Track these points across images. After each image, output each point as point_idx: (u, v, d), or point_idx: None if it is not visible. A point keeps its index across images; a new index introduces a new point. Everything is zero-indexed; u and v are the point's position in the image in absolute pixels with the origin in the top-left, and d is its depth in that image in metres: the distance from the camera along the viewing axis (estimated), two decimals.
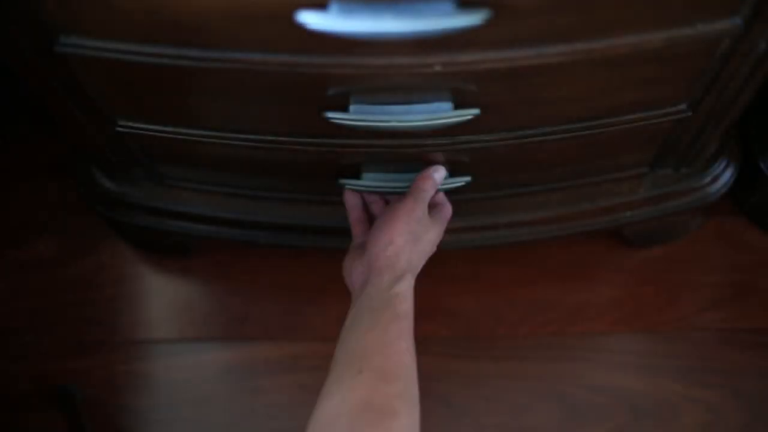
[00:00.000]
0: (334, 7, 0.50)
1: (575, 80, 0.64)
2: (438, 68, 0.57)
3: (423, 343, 1.00)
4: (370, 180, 0.79)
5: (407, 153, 0.75)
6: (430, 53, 0.56)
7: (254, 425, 1.00)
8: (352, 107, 0.64)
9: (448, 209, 0.81)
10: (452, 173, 0.79)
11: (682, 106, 0.71)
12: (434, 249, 0.78)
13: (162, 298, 1.06)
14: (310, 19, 0.50)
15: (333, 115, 0.64)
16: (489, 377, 1.01)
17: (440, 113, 0.64)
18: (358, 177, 0.79)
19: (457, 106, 0.64)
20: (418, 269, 0.75)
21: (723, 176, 0.93)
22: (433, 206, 0.80)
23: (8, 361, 1.03)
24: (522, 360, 1.02)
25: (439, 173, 0.78)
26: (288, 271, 1.06)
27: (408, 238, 0.72)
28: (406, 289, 0.70)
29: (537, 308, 1.04)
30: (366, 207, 0.83)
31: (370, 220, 0.83)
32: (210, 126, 0.72)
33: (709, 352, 1.02)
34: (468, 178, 0.79)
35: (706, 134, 0.77)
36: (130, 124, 0.72)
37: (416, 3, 0.50)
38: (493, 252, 1.06)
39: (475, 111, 0.64)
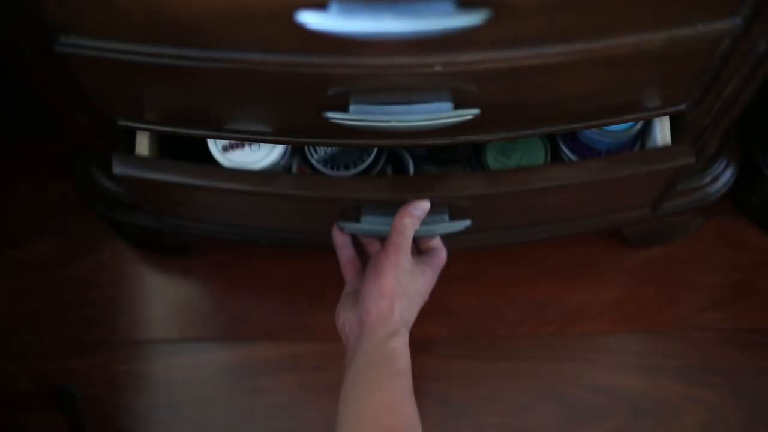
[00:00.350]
0: (334, 7, 0.50)
1: (575, 80, 0.64)
2: (438, 68, 0.57)
3: (423, 343, 1.00)
4: (369, 224, 0.77)
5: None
6: (430, 53, 0.56)
7: (254, 425, 1.00)
8: (352, 107, 0.64)
9: (441, 256, 0.78)
10: (452, 217, 0.77)
11: (682, 106, 0.71)
12: (426, 298, 0.76)
13: (162, 298, 1.06)
14: (310, 19, 0.50)
15: (333, 115, 0.64)
16: (489, 377, 1.01)
17: (440, 113, 0.64)
18: (358, 220, 0.78)
19: (457, 106, 0.64)
20: (411, 322, 0.73)
21: (723, 176, 0.93)
22: (426, 251, 0.78)
23: (8, 361, 1.03)
24: (522, 360, 1.02)
25: (418, 210, 0.72)
26: (288, 271, 1.06)
27: (398, 292, 0.70)
28: (402, 344, 0.69)
29: (537, 308, 1.04)
30: (357, 246, 0.81)
31: (364, 258, 0.80)
32: (210, 126, 0.72)
33: (709, 352, 1.02)
34: (467, 222, 0.78)
35: (706, 134, 0.77)
36: (130, 123, 0.72)
37: (416, 3, 0.50)
38: (493, 252, 1.06)
39: (475, 111, 0.64)
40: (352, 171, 0.79)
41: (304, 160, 0.80)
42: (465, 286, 1.05)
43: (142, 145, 0.76)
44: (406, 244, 0.71)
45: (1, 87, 1.10)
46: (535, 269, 1.06)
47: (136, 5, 0.53)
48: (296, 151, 0.81)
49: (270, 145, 0.77)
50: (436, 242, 0.79)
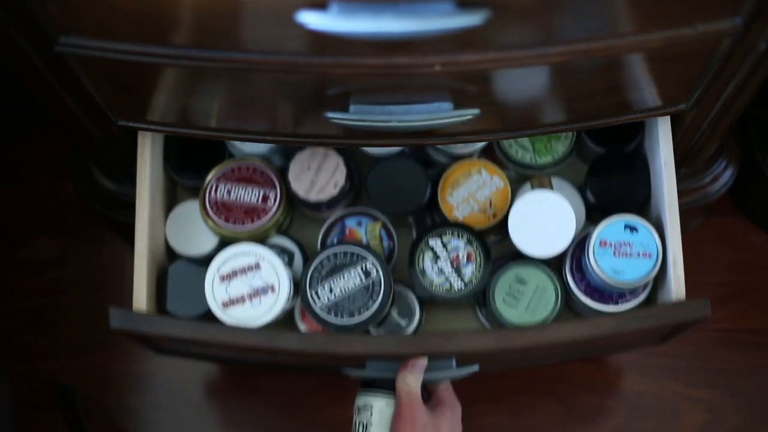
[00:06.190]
0: (334, 7, 0.50)
1: (575, 80, 0.64)
2: (438, 68, 0.57)
3: None
4: (373, 370, 0.76)
5: None
6: (430, 53, 0.56)
7: (255, 425, 1.00)
8: (352, 107, 0.64)
9: (455, 405, 0.76)
10: (459, 364, 0.76)
11: (682, 106, 0.71)
12: (459, 430, 0.75)
13: None
14: (310, 19, 0.50)
15: (333, 115, 0.64)
16: (489, 377, 1.01)
17: (440, 113, 0.64)
18: (363, 367, 0.76)
19: (457, 106, 0.64)
20: None
21: (723, 176, 0.93)
22: (439, 404, 0.76)
23: (8, 361, 1.03)
24: None
25: (417, 367, 0.72)
26: None
27: None
28: None
29: None
30: None
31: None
32: (210, 126, 0.72)
33: (709, 352, 1.02)
34: (475, 368, 0.77)
35: (706, 134, 0.77)
36: (131, 123, 0.72)
37: (416, 3, 0.50)
38: None
39: (475, 111, 0.64)
40: (357, 319, 0.75)
41: (307, 308, 0.76)
42: None
43: (140, 293, 0.75)
44: (417, 400, 0.71)
45: (2, 87, 1.10)
46: None
47: (136, 6, 0.53)
48: (298, 297, 0.79)
49: (271, 300, 0.75)
50: (446, 397, 0.77)
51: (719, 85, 0.67)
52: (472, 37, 0.52)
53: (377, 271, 0.76)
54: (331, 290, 0.76)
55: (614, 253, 0.74)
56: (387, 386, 0.74)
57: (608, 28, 0.56)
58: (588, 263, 0.75)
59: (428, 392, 0.77)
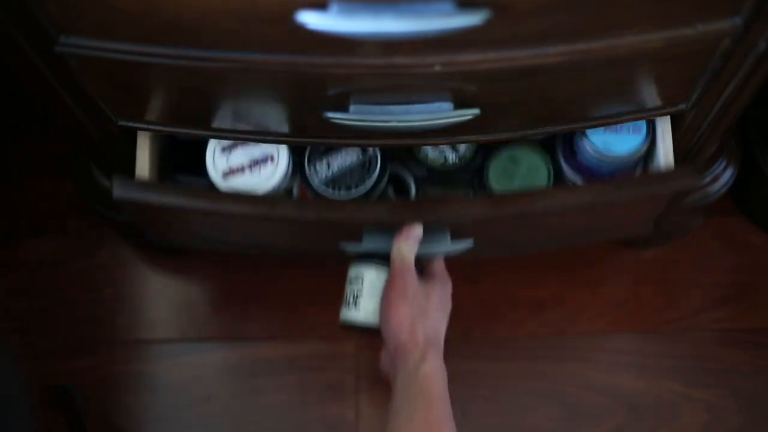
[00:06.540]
0: (334, 7, 0.50)
1: (575, 80, 0.64)
2: (438, 68, 0.57)
3: None
4: (370, 244, 0.77)
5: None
6: (430, 53, 0.56)
7: (254, 425, 1.00)
8: (352, 107, 0.64)
9: (447, 281, 0.77)
10: (453, 237, 0.77)
11: (682, 106, 0.71)
12: (449, 308, 0.75)
13: (162, 298, 1.06)
14: (310, 19, 0.50)
15: (333, 115, 0.64)
16: (489, 377, 1.01)
17: (440, 113, 0.64)
18: (360, 240, 0.77)
19: (457, 106, 0.64)
20: (442, 338, 0.72)
21: (723, 176, 0.93)
22: (431, 276, 0.77)
23: (8, 361, 1.03)
24: (522, 360, 1.02)
25: (412, 235, 0.73)
26: (288, 272, 1.06)
27: (414, 315, 0.70)
28: (432, 368, 0.68)
29: (537, 308, 1.04)
30: None
31: None
32: (210, 127, 0.72)
33: (709, 352, 1.02)
34: (469, 243, 0.78)
35: (706, 134, 0.77)
36: (130, 123, 0.72)
37: (416, 3, 0.50)
38: None
39: (475, 111, 0.64)
40: (354, 193, 0.78)
41: (305, 182, 0.79)
42: (465, 286, 1.05)
43: (143, 161, 0.76)
44: (410, 269, 0.72)
45: (2, 87, 1.10)
46: (535, 269, 1.06)
47: (136, 6, 0.53)
48: (297, 173, 0.80)
49: (270, 170, 0.76)
50: (438, 270, 0.77)
51: (719, 85, 0.67)
52: (472, 37, 0.52)
53: (374, 147, 0.78)
54: (329, 166, 0.78)
55: (605, 129, 0.76)
56: (381, 259, 0.75)
57: (608, 28, 0.56)
58: (578, 139, 0.76)
59: (422, 268, 0.77)
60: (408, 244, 0.72)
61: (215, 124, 0.71)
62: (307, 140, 0.76)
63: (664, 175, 0.76)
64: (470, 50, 0.56)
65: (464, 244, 0.77)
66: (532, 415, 0.99)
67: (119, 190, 0.73)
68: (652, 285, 1.05)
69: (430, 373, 0.68)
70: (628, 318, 1.04)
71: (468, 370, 1.01)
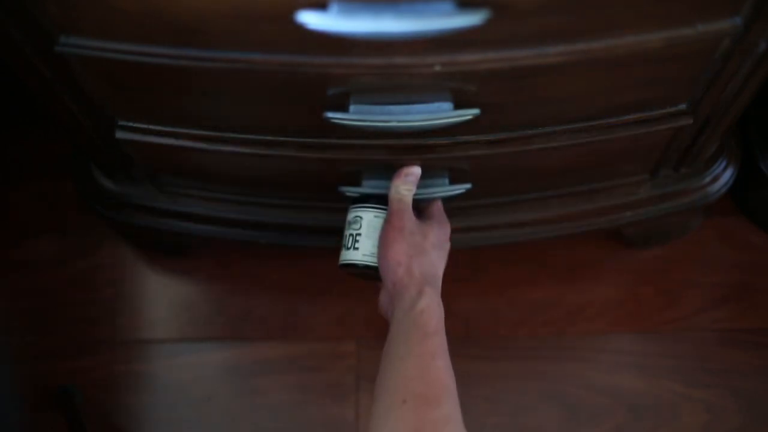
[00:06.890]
0: (334, 7, 0.50)
1: (575, 80, 0.64)
2: (438, 68, 0.57)
3: None
4: (370, 188, 0.78)
5: (409, 160, 0.74)
6: (430, 53, 0.56)
7: (255, 425, 1.00)
8: (352, 107, 0.64)
9: (444, 220, 0.77)
10: (452, 181, 0.78)
11: (682, 106, 0.71)
12: (447, 246, 0.75)
13: (162, 298, 1.06)
14: (310, 19, 0.50)
15: (333, 115, 0.64)
16: (489, 377, 1.01)
17: (440, 113, 0.64)
18: (358, 184, 0.78)
19: (457, 106, 0.64)
20: (439, 277, 0.72)
21: (723, 176, 0.93)
22: (429, 218, 0.77)
23: (8, 361, 1.03)
24: (522, 360, 1.02)
25: (410, 175, 0.73)
26: (288, 272, 1.06)
27: (411, 252, 0.70)
28: (428, 303, 0.68)
29: (537, 308, 1.04)
30: None
31: None
32: (210, 127, 0.72)
33: (709, 352, 1.02)
34: (468, 186, 0.78)
35: (706, 134, 0.77)
36: (131, 123, 0.72)
37: (416, 3, 0.50)
38: (493, 252, 1.06)
39: (475, 111, 0.64)
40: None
41: None
42: (465, 287, 1.05)
43: None
44: (407, 208, 0.72)
45: (2, 87, 1.10)
46: (535, 269, 1.06)
47: (136, 6, 0.53)
48: None
49: None
50: (436, 210, 0.78)
51: (719, 85, 0.67)
52: (472, 37, 0.52)
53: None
54: None
55: None
56: (379, 203, 0.75)
57: (608, 28, 0.56)
58: None
59: (420, 211, 0.77)
60: (406, 184, 0.73)
61: (214, 125, 0.72)
62: (307, 140, 0.76)
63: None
64: (470, 50, 0.56)
65: (462, 187, 0.77)
66: (532, 415, 0.99)
67: (122, 133, 0.72)
68: (652, 285, 1.05)
69: (426, 308, 0.68)
70: (628, 318, 1.04)
71: (468, 370, 1.01)
